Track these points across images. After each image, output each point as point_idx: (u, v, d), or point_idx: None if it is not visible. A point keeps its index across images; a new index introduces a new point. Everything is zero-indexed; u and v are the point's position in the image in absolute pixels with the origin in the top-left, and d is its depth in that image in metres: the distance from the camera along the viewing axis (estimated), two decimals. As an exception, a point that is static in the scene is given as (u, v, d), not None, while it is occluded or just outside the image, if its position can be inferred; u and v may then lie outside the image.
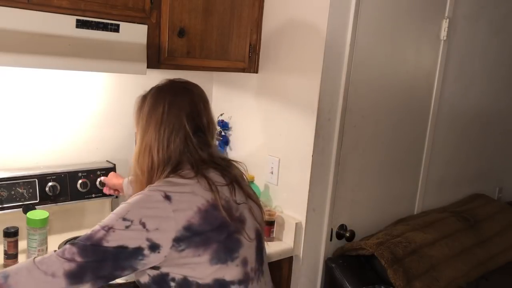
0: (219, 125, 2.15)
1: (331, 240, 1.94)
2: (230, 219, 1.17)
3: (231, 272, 1.16)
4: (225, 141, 2.17)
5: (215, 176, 1.21)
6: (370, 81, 1.93)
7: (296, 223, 1.82)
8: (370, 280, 1.84)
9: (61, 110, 1.82)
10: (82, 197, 1.80)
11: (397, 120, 2.10)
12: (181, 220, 1.09)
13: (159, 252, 1.08)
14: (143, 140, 1.22)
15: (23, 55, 1.36)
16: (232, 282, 1.16)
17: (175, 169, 1.19)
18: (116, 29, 1.52)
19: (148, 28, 1.60)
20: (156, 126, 1.20)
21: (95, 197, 1.83)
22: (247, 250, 1.21)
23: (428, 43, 2.15)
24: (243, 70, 1.94)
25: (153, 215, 1.08)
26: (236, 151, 2.15)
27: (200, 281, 1.13)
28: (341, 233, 1.96)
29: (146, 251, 1.07)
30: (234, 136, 2.16)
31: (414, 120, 2.20)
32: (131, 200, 1.12)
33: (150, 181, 1.19)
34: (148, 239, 1.07)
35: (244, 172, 1.35)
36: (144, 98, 1.26)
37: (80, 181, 1.78)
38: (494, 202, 2.66)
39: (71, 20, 1.43)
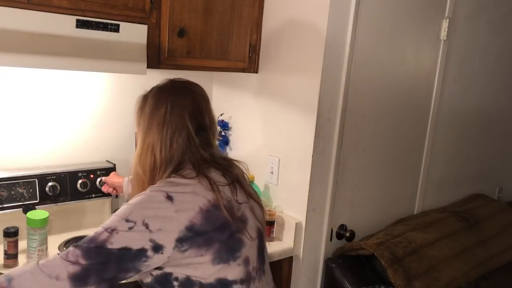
0: (219, 125, 2.15)
1: (331, 240, 1.94)
2: (232, 219, 1.17)
3: (233, 271, 1.16)
4: (225, 141, 2.17)
5: (216, 176, 1.21)
6: (370, 81, 1.93)
7: (296, 223, 1.82)
8: (370, 280, 1.84)
9: (61, 110, 1.82)
10: (82, 197, 1.80)
11: (397, 120, 2.10)
12: (184, 220, 1.09)
13: (162, 253, 1.08)
14: (145, 140, 1.21)
15: (23, 55, 1.36)
16: (235, 282, 1.16)
17: (177, 169, 1.19)
18: (116, 29, 1.52)
19: (148, 28, 1.60)
20: (159, 126, 1.20)
21: (95, 197, 1.83)
22: (249, 249, 1.21)
23: (428, 43, 2.15)
24: (243, 70, 1.94)
25: (155, 216, 1.08)
26: (236, 151, 2.15)
27: (203, 281, 1.13)
28: (341, 233, 1.96)
29: (150, 252, 1.07)
30: (234, 136, 2.16)
31: (414, 120, 2.20)
32: (132, 201, 1.12)
33: (152, 180, 1.19)
34: (151, 240, 1.07)
35: (245, 171, 1.35)
36: (145, 98, 1.26)
37: (80, 181, 1.78)
38: (494, 202, 2.66)
39: (71, 20, 1.43)
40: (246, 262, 1.19)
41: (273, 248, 1.78)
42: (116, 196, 1.86)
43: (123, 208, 1.11)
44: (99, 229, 1.08)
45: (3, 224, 1.54)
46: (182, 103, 1.22)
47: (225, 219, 1.16)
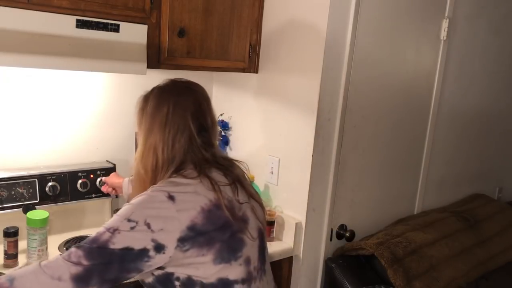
0: (219, 125, 2.14)
1: (331, 240, 1.94)
2: (233, 219, 1.17)
3: (234, 271, 1.16)
4: (225, 141, 2.17)
5: (217, 175, 1.21)
6: (370, 81, 1.93)
7: (296, 223, 1.82)
8: (370, 280, 1.84)
9: (61, 110, 1.82)
10: (82, 197, 1.80)
11: (397, 120, 2.10)
12: (185, 220, 1.09)
13: (164, 253, 1.08)
14: (147, 140, 1.21)
15: (23, 55, 1.36)
16: (236, 281, 1.16)
17: (179, 169, 1.19)
18: (116, 29, 1.52)
19: (148, 28, 1.60)
20: (161, 126, 1.19)
21: (95, 197, 1.83)
22: (250, 249, 1.21)
23: (428, 43, 2.15)
24: (243, 70, 1.94)
25: (157, 216, 1.08)
26: (236, 151, 2.15)
27: (204, 281, 1.13)
28: (341, 233, 1.96)
29: (152, 252, 1.07)
30: (234, 136, 2.16)
31: (414, 120, 2.20)
32: (134, 201, 1.12)
33: (154, 180, 1.19)
34: (153, 240, 1.07)
35: (246, 171, 1.35)
36: (146, 98, 1.26)
37: (80, 181, 1.78)
38: (494, 202, 2.66)
39: (71, 20, 1.43)
40: (247, 262, 1.19)
41: (273, 248, 1.78)
42: (116, 196, 1.85)
43: (124, 208, 1.11)
44: (101, 229, 1.08)
45: (3, 224, 1.54)
46: (184, 103, 1.22)
47: (226, 219, 1.16)
